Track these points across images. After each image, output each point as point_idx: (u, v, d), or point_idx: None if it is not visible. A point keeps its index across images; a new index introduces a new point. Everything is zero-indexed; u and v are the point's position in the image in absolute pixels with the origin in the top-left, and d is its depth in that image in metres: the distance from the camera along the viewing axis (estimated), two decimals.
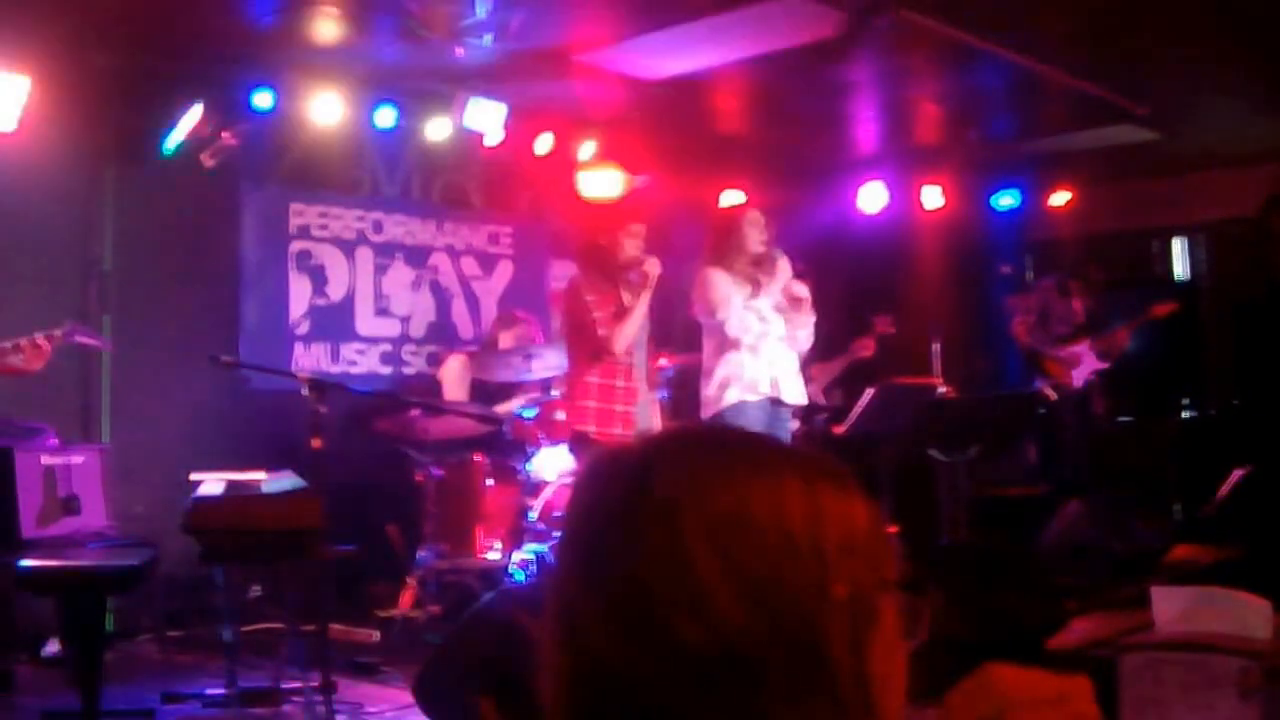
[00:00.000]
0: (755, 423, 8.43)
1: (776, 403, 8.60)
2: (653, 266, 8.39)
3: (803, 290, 8.80)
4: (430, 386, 11.21)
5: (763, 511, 1.33)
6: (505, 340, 10.90)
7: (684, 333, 9.57)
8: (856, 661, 1.32)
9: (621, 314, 8.35)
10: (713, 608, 1.28)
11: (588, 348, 8.44)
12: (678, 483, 1.36)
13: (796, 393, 8.78)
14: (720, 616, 1.28)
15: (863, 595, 1.34)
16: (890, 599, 1.37)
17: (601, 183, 11.97)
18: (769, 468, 1.38)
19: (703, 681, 1.27)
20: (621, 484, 1.40)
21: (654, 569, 1.30)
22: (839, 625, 1.31)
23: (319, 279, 11.36)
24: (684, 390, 9.90)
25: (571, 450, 8.69)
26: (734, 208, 9.37)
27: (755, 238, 8.68)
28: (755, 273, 8.62)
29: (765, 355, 8.55)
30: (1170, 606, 5.36)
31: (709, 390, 8.58)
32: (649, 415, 8.70)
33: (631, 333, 8.37)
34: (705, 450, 1.42)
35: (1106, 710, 4.85)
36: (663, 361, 9.85)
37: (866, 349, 11.99)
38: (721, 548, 1.30)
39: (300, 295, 11.24)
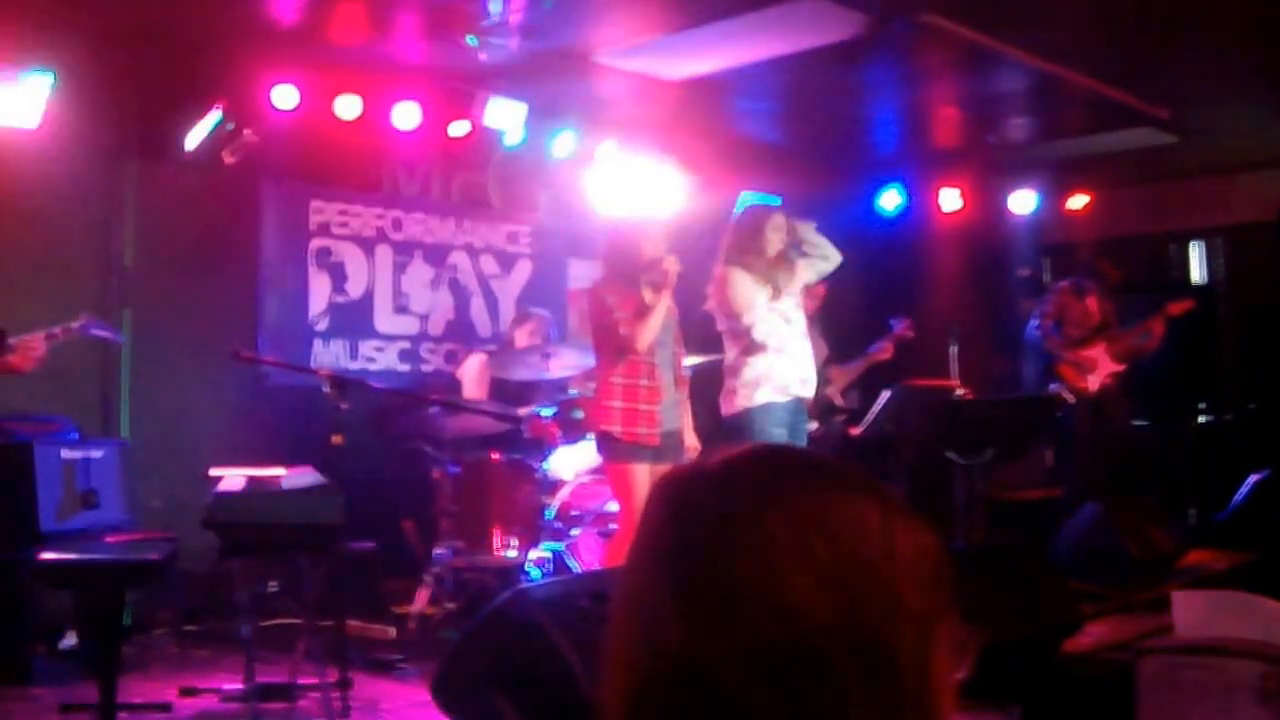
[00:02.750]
0: (781, 423, 8.46)
1: (800, 401, 8.63)
2: (672, 265, 8.36)
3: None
4: (449, 384, 11.24)
5: (843, 520, 1.36)
6: (521, 337, 10.92)
7: (702, 332, 9.56)
8: (922, 673, 1.35)
9: (643, 313, 8.34)
10: (795, 603, 1.30)
11: (611, 348, 8.41)
12: (765, 487, 1.39)
13: (813, 387, 8.81)
14: (801, 611, 1.30)
15: (928, 614, 1.36)
16: (949, 624, 1.40)
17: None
18: (848, 483, 1.42)
19: (779, 678, 1.30)
20: (705, 487, 1.43)
21: (740, 565, 1.33)
22: (909, 636, 1.34)
23: (338, 276, 11.38)
24: (702, 390, 9.89)
25: (599, 450, 8.66)
26: (759, 209, 9.33)
27: (777, 242, 8.68)
28: (774, 275, 8.62)
29: (791, 355, 8.57)
30: (1190, 611, 5.37)
31: (737, 390, 8.58)
32: (676, 415, 8.69)
33: (653, 331, 8.34)
34: (787, 463, 1.46)
35: (1124, 714, 4.86)
36: (687, 360, 9.87)
37: (885, 352, 11.98)
38: (806, 548, 1.33)
39: (320, 292, 11.26)
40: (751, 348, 8.54)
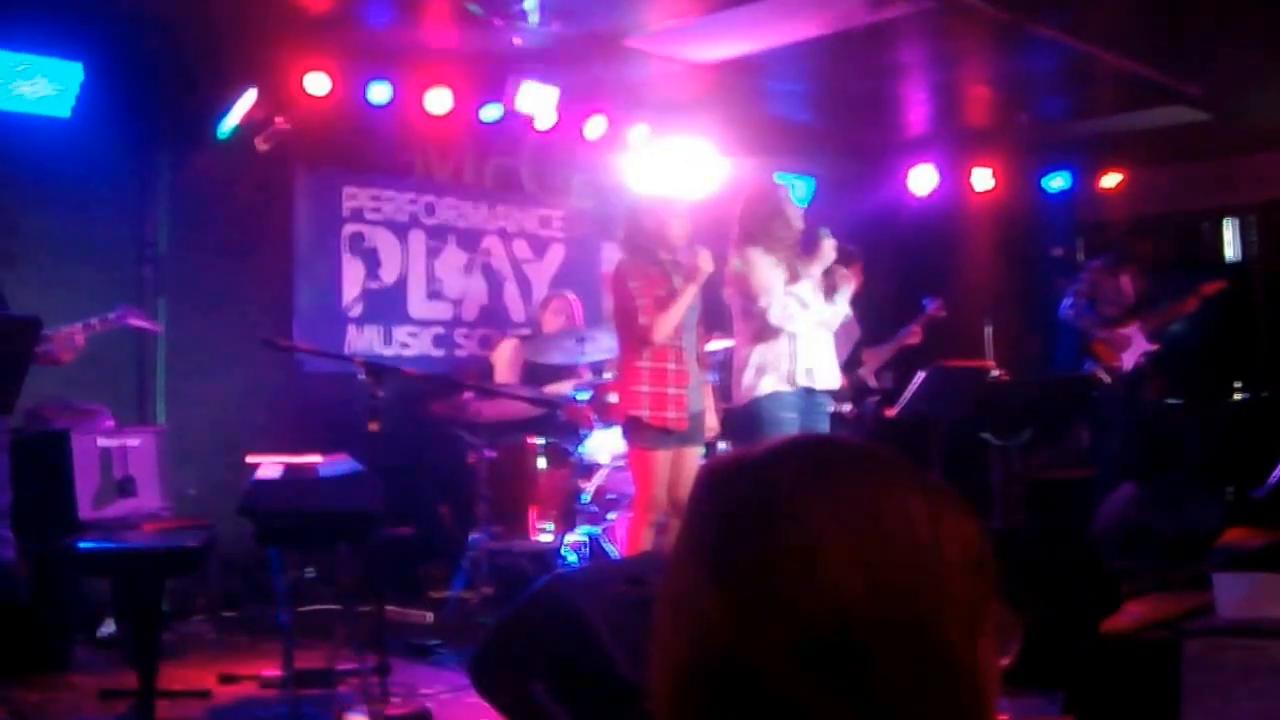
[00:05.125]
0: (791, 409, 8.32)
1: (811, 391, 8.51)
2: (705, 262, 8.29)
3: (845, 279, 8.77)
4: (483, 369, 11.25)
5: (888, 508, 1.36)
6: (548, 320, 10.93)
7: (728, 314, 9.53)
8: (969, 661, 1.35)
9: (666, 301, 8.28)
10: (840, 594, 1.30)
11: (633, 333, 8.38)
12: (807, 477, 1.39)
13: (832, 379, 8.68)
14: (847, 602, 1.30)
15: (974, 602, 1.36)
16: (994, 611, 1.40)
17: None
18: (892, 472, 1.41)
19: (825, 669, 1.29)
20: (749, 478, 1.43)
21: (783, 557, 1.33)
22: (956, 625, 1.34)
23: (372, 262, 11.40)
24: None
25: (624, 434, 8.61)
26: (773, 187, 9.21)
27: (797, 219, 8.57)
28: (793, 256, 8.53)
29: (802, 343, 8.45)
30: (1232, 592, 5.36)
31: (744, 378, 8.44)
32: (701, 397, 8.64)
33: (673, 323, 8.23)
34: (831, 452, 1.45)
35: (1168, 695, 4.85)
36: (713, 344, 9.85)
37: (914, 336, 11.91)
38: (850, 537, 1.33)
39: (353, 278, 11.29)
40: (763, 332, 8.42)
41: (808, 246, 8.52)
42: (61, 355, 7.43)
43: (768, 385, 8.36)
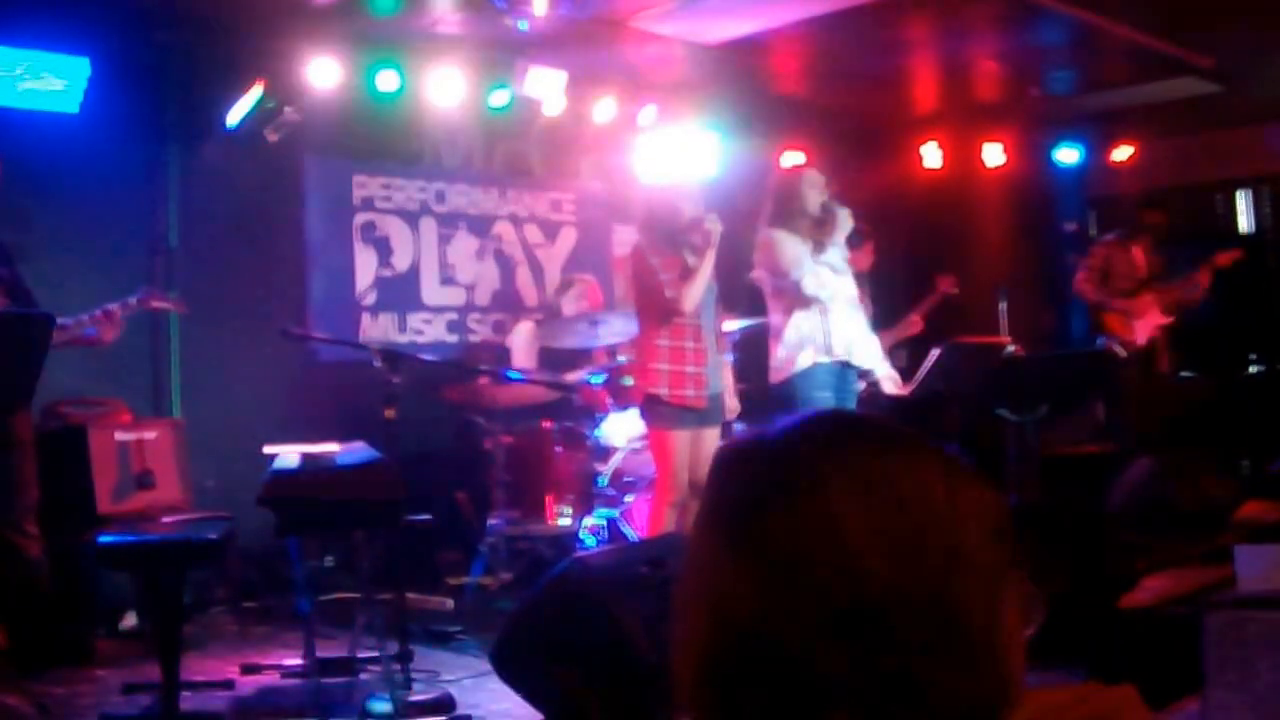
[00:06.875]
0: (825, 386, 8.41)
1: (846, 366, 8.57)
2: (714, 224, 8.32)
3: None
4: (498, 354, 11.24)
5: (905, 480, 1.37)
6: (567, 304, 10.92)
7: (749, 295, 9.53)
8: (991, 631, 1.35)
9: (687, 275, 8.31)
10: (860, 565, 1.31)
11: (656, 310, 8.37)
12: (824, 452, 1.40)
13: (866, 356, 8.73)
14: (867, 573, 1.31)
15: (995, 568, 1.37)
16: (1015, 578, 1.40)
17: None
18: (908, 444, 1.42)
19: (847, 638, 1.30)
20: (767, 454, 1.44)
21: (803, 529, 1.34)
22: (976, 594, 1.34)
23: (384, 250, 11.42)
24: (751, 353, 9.88)
25: (643, 414, 8.61)
26: (792, 169, 9.31)
27: (814, 198, 8.65)
28: (816, 233, 8.58)
29: (835, 317, 8.51)
30: (1254, 565, 5.35)
31: (779, 354, 8.53)
32: (719, 378, 8.66)
33: (699, 292, 8.30)
34: (848, 426, 1.46)
35: (1188, 668, 4.85)
36: (728, 324, 9.85)
37: (916, 325, 11.88)
38: (868, 509, 1.33)
39: (366, 266, 11.30)
40: (795, 305, 8.50)
41: (828, 225, 8.59)
42: (105, 335, 7.48)
43: (805, 359, 8.46)
